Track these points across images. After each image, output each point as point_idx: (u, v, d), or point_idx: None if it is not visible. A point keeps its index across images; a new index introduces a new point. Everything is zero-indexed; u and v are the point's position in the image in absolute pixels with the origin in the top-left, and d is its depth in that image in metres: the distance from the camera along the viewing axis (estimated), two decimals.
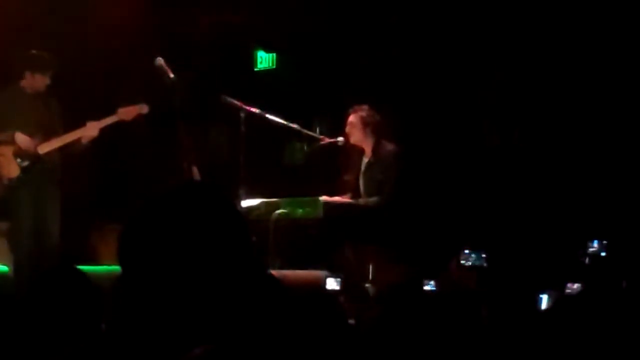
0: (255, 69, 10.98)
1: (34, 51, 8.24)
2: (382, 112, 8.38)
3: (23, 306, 3.75)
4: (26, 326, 3.66)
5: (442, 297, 6.52)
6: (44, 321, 3.63)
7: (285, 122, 8.38)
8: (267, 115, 8.25)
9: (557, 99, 8.79)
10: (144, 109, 8.23)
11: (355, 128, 8.28)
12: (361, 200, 8.26)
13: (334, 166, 8.76)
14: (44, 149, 8.11)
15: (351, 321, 6.24)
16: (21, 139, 8.06)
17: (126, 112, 8.19)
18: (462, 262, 6.87)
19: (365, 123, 8.24)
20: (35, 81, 8.17)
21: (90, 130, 8.16)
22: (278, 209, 8.02)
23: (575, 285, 6.30)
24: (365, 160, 8.36)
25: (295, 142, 10.35)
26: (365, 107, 8.31)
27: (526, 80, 9.01)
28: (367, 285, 7.77)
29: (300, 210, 8.01)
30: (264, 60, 10.96)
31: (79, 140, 8.17)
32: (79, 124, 8.23)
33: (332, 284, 7.01)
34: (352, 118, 8.29)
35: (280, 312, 3.59)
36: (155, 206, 2.35)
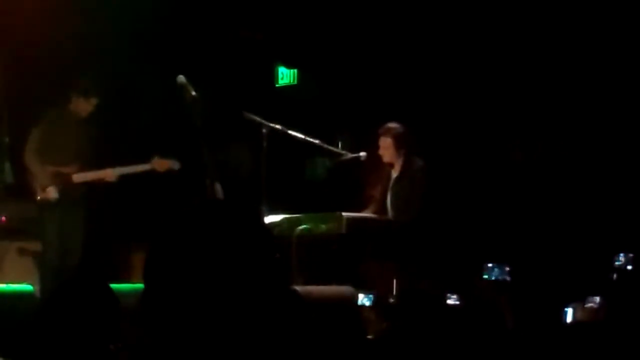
0: (277, 85, 11.00)
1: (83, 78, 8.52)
2: (407, 127, 8.37)
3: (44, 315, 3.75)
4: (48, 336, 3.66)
5: (467, 311, 6.50)
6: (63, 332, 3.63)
7: (307, 138, 8.38)
8: (289, 131, 8.25)
9: (582, 112, 8.75)
10: (176, 165, 8.54)
11: (389, 150, 8.28)
12: (389, 216, 8.24)
13: (356, 181, 8.74)
14: (79, 178, 8.35)
15: (370, 336, 6.23)
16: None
17: (159, 164, 8.55)
18: (486, 276, 6.84)
19: (397, 144, 8.25)
20: (80, 105, 8.41)
21: (111, 176, 8.41)
22: (300, 224, 8.01)
23: (596, 299, 6.25)
24: (394, 175, 8.34)
25: (317, 158, 10.34)
26: (395, 125, 8.29)
27: (550, 94, 8.98)
28: (391, 300, 7.74)
29: (323, 226, 7.99)
30: (285, 76, 10.98)
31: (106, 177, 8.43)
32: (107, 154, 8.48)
33: (363, 299, 6.99)
34: (384, 142, 8.28)
35: (301, 327, 3.58)
36: (180, 224, 2.35)
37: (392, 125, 8.32)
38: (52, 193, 8.29)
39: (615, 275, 6.87)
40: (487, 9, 9.32)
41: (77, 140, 8.44)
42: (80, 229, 8.49)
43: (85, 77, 8.58)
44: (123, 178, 8.54)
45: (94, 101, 8.48)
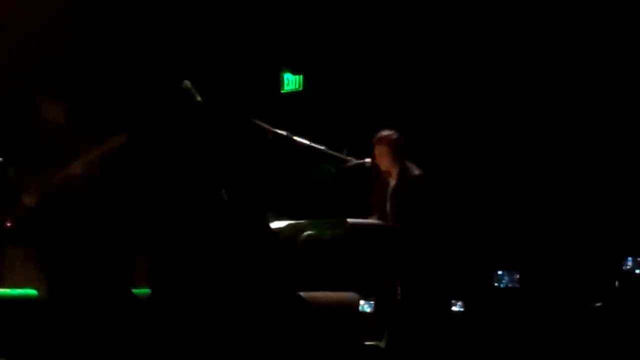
0: (282, 91, 11.01)
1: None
2: (408, 134, 8.35)
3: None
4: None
5: (472, 318, 6.49)
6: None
7: (312, 144, 8.38)
8: (294, 137, 8.25)
9: (589, 117, 8.74)
10: (122, 139, 8.42)
11: (385, 158, 8.26)
12: (390, 223, 8.23)
13: (361, 187, 8.74)
14: (56, 182, 8.35)
15: (370, 343, 6.23)
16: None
17: (111, 142, 8.40)
18: (496, 283, 6.82)
19: (394, 152, 8.23)
20: (49, 110, 8.41)
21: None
22: (305, 230, 8.00)
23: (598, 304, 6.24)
24: (392, 182, 8.32)
25: (322, 164, 10.34)
26: (390, 132, 8.27)
27: (554, 97, 8.97)
28: (395, 306, 7.73)
29: (328, 232, 7.99)
30: (291, 82, 10.98)
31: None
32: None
33: (364, 306, 6.99)
34: (380, 151, 8.26)
35: (306, 332, 3.58)
36: (185, 229, 2.34)
37: (387, 133, 8.29)
38: (29, 203, 8.33)
39: (617, 282, 6.86)
40: (487, 13, 9.34)
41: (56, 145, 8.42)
42: (77, 230, 8.46)
43: (51, 84, 8.58)
44: (91, 167, 8.45)
45: (60, 107, 8.45)
